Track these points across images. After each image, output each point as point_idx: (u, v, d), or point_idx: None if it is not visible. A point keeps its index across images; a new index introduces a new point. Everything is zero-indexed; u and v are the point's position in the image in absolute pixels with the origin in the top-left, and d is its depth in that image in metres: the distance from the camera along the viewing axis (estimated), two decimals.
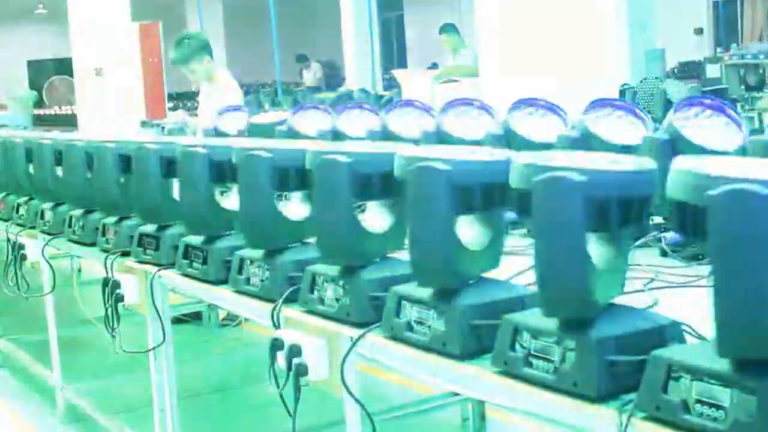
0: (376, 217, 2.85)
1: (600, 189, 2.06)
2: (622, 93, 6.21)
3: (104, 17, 11.59)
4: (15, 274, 5.22)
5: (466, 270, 2.48)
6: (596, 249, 2.15)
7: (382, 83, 20.47)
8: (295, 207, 3.22)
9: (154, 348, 4.03)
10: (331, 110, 4.77)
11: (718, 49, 17.32)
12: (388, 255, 2.91)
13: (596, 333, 2.08)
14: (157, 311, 3.91)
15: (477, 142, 3.77)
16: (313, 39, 26.07)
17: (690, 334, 2.21)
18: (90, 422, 5.23)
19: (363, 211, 2.84)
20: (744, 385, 1.78)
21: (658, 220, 3.22)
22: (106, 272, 4.11)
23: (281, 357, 2.90)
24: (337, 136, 4.33)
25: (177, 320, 6.22)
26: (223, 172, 3.48)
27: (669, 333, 2.13)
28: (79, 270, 7.17)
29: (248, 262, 3.27)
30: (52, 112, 19.84)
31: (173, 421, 4.14)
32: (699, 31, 19.41)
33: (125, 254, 4.11)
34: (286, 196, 3.23)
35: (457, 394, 4.36)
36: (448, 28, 11.79)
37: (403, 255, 2.88)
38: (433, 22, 14.98)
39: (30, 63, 26.93)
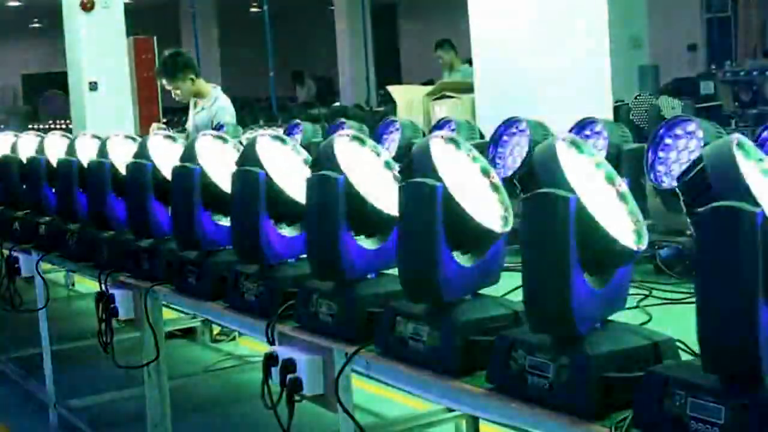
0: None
1: None
2: (616, 110, 6.22)
3: (99, 31, 11.60)
4: (8, 289, 5.21)
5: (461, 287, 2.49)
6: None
7: (377, 99, 20.48)
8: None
9: (147, 363, 4.03)
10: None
11: (712, 66, 17.37)
12: (383, 271, 2.91)
13: (591, 349, 2.08)
14: (152, 326, 3.90)
15: None
16: (307, 55, 26.11)
17: (684, 350, 2.21)
18: None
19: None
20: (738, 401, 1.78)
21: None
22: (100, 287, 4.11)
23: (275, 373, 2.89)
24: None
25: (170, 335, 6.21)
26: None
27: (663, 349, 2.13)
28: (73, 284, 7.17)
29: (243, 277, 3.27)
30: (47, 126, 19.83)
31: None
32: (692, 48, 19.47)
33: (120, 269, 4.11)
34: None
35: (452, 410, 4.36)
36: (444, 45, 11.82)
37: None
38: (429, 39, 15.02)
39: (24, 77, 26.97)
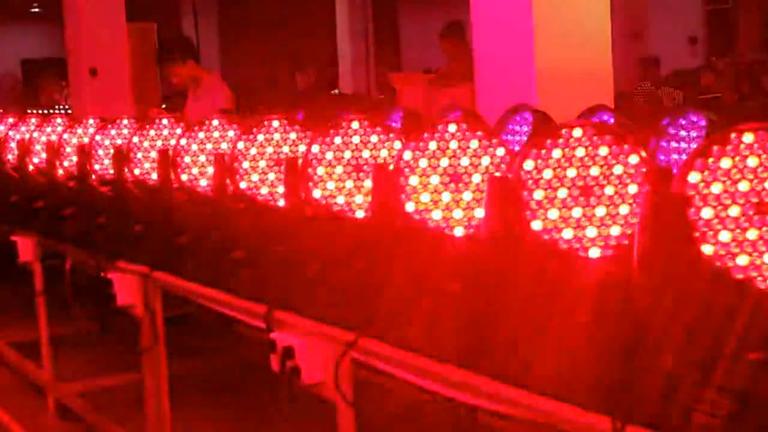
0: None
1: None
2: (617, 100, 6.21)
3: (99, 17, 11.56)
4: (6, 275, 5.20)
5: None
6: None
7: (376, 87, 20.46)
8: None
9: (146, 348, 4.02)
10: None
11: (712, 58, 17.35)
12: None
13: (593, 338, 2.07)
14: (150, 311, 3.90)
15: None
16: (308, 42, 26.05)
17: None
18: (81, 422, 5.21)
19: None
20: (742, 391, 1.77)
21: None
22: (99, 272, 4.10)
23: (275, 360, 2.89)
24: None
25: (169, 320, 6.19)
26: None
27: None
28: (73, 269, 7.15)
29: (243, 263, 3.26)
30: (46, 111, 19.75)
31: (165, 422, 4.13)
32: (693, 40, 19.45)
33: (119, 254, 4.10)
34: None
35: (452, 399, 4.35)
36: (449, 33, 11.75)
37: None
38: (428, 26, 14.99)
39: (24, 62, 26.88)
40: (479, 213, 2.54)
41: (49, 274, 5.10)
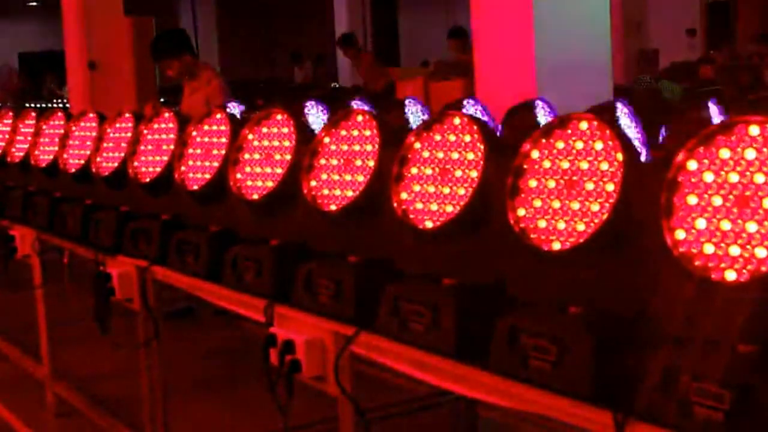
0: None
1: None
2: (616, 92, 6.20)
3: (97, 11, 11.55)
4: (5, 268, 5.19)
5: None
6: None
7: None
8: None
9: (145, 343, 4.01)
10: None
11: (711, 50, 17.34)
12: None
13: (593, 332, 2.07)
14: (149, 306, 3.88)
15: None
16: (306, 36, 26.03)
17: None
18: (80, 417, 5.21)
19: None
20: (743, 384, 1.76)
21: None
22: (97, 266, 4.08)
23: (275, 354, 2.88)
24: None
25: (168, 315, 6.19)
26: None
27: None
28: (71, 263, 7.14)
29: (242, 257, 3.25)
30: (44, 105, 19.73)
31: (164, 416, 4.12)
32: (692, 32, 19.44)
33: (117, 248, 4.09)
34: None
35: (451, 392, 4.34)
36: (457, 33, 11.77)
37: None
38: (426, 20, 15.01)
39: (22, 56, 26.87)
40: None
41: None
